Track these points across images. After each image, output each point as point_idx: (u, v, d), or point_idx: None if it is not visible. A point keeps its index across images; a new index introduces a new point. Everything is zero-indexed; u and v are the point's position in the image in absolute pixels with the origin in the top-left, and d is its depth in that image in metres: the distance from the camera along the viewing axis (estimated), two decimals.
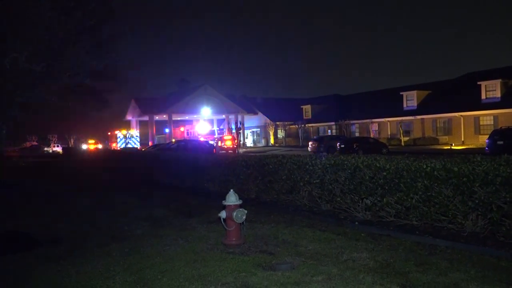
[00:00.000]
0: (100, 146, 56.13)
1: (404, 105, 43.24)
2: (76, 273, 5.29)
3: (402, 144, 39.35)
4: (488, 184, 5.59)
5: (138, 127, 57.35)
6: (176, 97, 54.73)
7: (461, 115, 36.98)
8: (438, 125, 39.92)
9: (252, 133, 63.18)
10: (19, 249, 6.62)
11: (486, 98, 36.12)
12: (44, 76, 9.03)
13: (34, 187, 16.03)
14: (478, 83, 36.74)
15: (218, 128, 58.49)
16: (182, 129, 54.71)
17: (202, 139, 41.98)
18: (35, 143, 68.45)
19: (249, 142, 61.75)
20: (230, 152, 33.62)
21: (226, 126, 57.23)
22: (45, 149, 66.19)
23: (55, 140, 71.43)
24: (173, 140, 40.99)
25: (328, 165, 8.07)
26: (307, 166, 8.53)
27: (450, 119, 38.41)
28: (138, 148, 42.22)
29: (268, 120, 57.38)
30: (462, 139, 36.81)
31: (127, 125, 58.83)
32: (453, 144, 34.16)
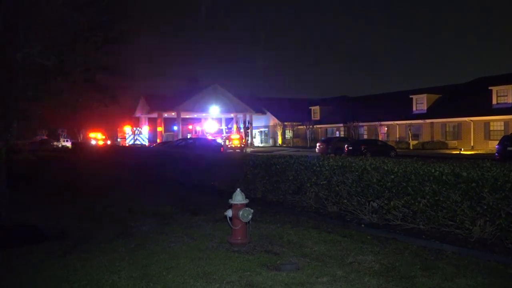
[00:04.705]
0: (109, 142, 56.53)
1: (414, 109, 42.96)
2: (81, 268, 5.33)
3: (411, 147, 39.11)
4: (497, 190, 5.53)
5: (146, 123, 57.62)
6: (185, 95, 54.89)
7: (471, 120, 36.64)
8: (447, 130, 39.60)
9: (260, 133, 63.19)
10: (27, 242, 6.69)
11: (497, 103, 35.75)
12: (55, 71, 9.10)
13: (42, 181, 16.18)
14: (489, 88, 36.37)
15: (226, 127, 58.58)
16: (190, 127, 54.87)
17: (210, 137, 42.07)
18: (45, 137, 69.05)
19: (256, 142, 61.76)
20: (238, 151, 33.66)
21: (234, 125, 57.30)
22: (55, 143, 66.77)
23: (64, 134, 72.01)
24: (181, 138, 41.11)
25: (335, 167, 8.05)
26: (315, 167, 8.51)
27: (459, 123, 38.08)
28: (146, 145, 42.43)
29: (276, 120, 57.34)
30: (472, 144, 36.48)
31: (136, 121, 59.13)
32: (462, 149, 33.85)
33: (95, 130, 58.65)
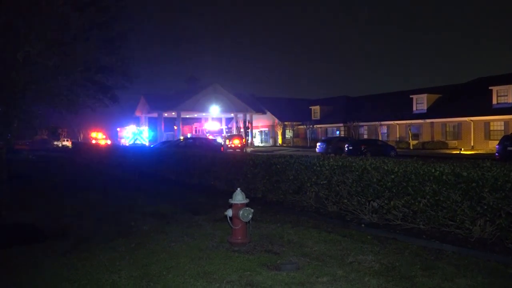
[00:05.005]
0: (109, 141, 56.55)
1: (414, 108, 42.95)
2: (82, 267, 5.34)
3: (411, 147, 39.11)
4: (498, 190, 5.53)
5: (147, 123, 57.63)
6: (185, 94, 54.91)
7: (471, 120, 36.64)
8: (447, 129, 39.60)
9: (260, 133, 63.19)
10: (27, 241, 6.69)
11: (497, 103, 35.73)
12: (56, 70, 9.12)
13: (43, 181, 16.18)
14: (490, 88, 36.36)
15: (226, 127, 58.56)
16: (194, 127, 54.86)
17: (210, 137, 42.06)
18: (45, 136, 69.05)
19: (257, 142, 61.77)
20: (238, 151, 33.66)
21: (234, 125, 57.28)
22: (55, 143, 66.79)
23: (64, 134, 71.98)
24: (181, 138, 41.12)
25: (336, 167, 8.05)
26: (315, 167, 8.51)
27: (460, 123, 38.07)
28: (147, 144, 42.44)
29: (277, 120, 57.35)
30: (472, 144, 36.47)
31: (136, 121, 59.15)
32: (462, 149, 33.85)
33: (95, 130, 58.71)
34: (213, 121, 54.59)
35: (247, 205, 6.34)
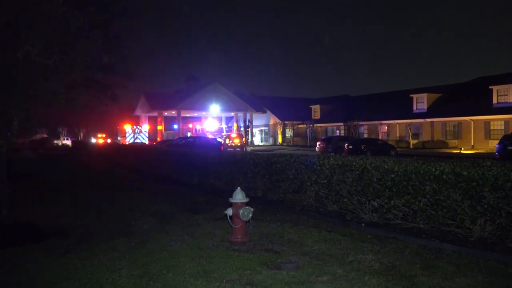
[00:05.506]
0: (109, 140, 56.57)
1: (414, 108, 42.92)
2: (82, 266, 5.34)
3: (411, 146, 39.10)
4: (498, 189, 5.53)
5: (147, 122, 57.61)
6: (185, 93, 54.88)
7: (472, 119, 36.62)
8: (447, 129, 39.57)
9: (260, 132, 63.17)
10: (28, 240, 6.69)
11: (498, 102, 35.71)
12: (56, 69, 9.11)
13: (43, 180, 16.18)
14: (490, 87, 36.33)
15: (226, 126, 58.53)
16: (190, 125, 54.83)
17: (210, 136, 42.05)
18: (45, 135, 69.06)
19: (257, 141, 61.76)
20: (238, 150, 33.64)
21: (235, 124, 57.24)
22: (55, 142, 66.82)
23: (64, 133, 72.00)
24: (181, 137, 41.10)
25: (336, 166, 8.04)
26: (315, 166, 8.51)
27: (460, 123, 38.05)
28: (147, 143, 42.45)
29: (277, 119, 57.32)
30: (472, 144, 36.46)
31: (136, 120, 59.12)
32: (463, 148, 33.84)
33: (95, 128, 58.74)
34: (213, 120, 54.53)
35: (247, 204, 6.34)
